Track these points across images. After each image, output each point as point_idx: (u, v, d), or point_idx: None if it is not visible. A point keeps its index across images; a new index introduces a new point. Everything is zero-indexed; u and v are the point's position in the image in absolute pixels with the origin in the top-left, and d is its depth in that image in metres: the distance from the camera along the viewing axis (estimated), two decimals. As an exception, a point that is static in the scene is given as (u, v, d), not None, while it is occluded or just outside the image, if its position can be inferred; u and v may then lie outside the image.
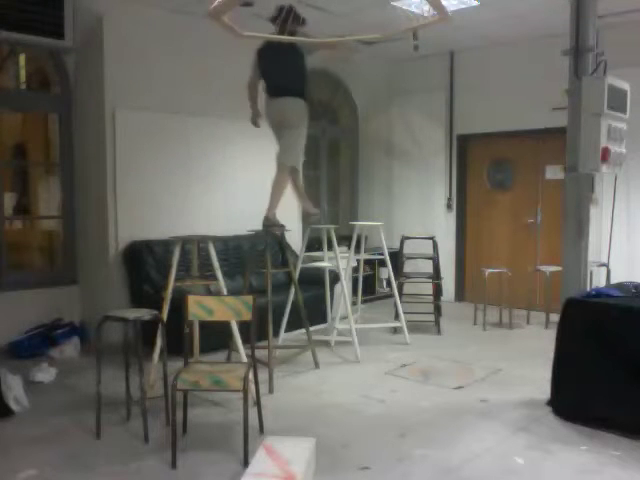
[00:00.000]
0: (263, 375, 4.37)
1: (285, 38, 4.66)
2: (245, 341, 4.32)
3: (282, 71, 4.99)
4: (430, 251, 6.60)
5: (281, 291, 5.69)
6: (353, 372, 5.12)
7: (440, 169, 8.12)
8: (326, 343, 5.85)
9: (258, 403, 3.81)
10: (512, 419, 4.02)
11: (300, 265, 5.62)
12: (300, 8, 5.77)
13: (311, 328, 5.32)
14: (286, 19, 4.64)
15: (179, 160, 6.14)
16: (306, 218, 5.47)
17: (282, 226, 5.11)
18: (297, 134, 5.00)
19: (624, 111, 4.39)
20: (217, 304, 3.80)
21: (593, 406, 3.84)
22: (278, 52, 4.98)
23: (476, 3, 5.85)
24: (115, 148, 5.69)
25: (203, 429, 3.86)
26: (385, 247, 6.01)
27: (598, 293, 4.14)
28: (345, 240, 6.88)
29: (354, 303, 6.53)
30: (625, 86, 4.38)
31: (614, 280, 5.89)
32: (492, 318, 6.71)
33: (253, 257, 5.62)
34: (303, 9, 5.82)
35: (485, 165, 7.92)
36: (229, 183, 6.57)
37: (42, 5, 5.34)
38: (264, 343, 4.76)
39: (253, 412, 3.69)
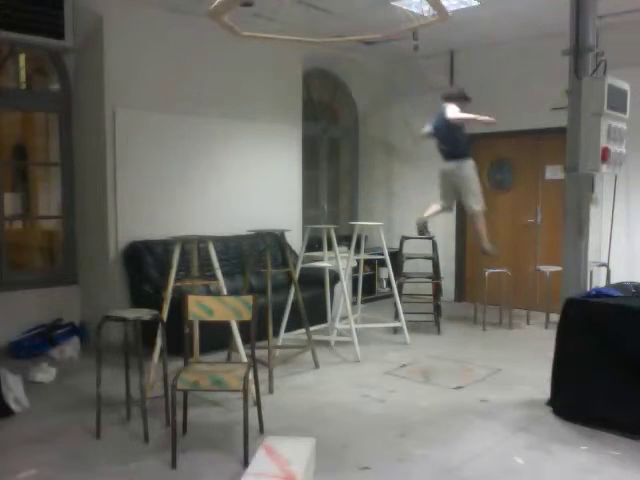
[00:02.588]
0: (263, 375, 4.37)
1: (285, 38, 4.68)
2: (245, 341, 4.32)
3: (444, 139, 6.36)
4: (430, 251, 6.60)
5: (281, 291, 5.69)
6: (353, 372, 5.12)
7: (440, 169, 8.11)
8: (326, 343, 5.85)
9: (258, 403, 3.81)
10: (512, 419, 4.02)
11: (300, 265, 5.62)
12: (300, 8, 5.81)
13: (311, 328, 5.32)
14: (458, 98, 6.39)
15: (179, 160, 6.13)
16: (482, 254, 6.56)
17: (495, 250, 6.47)
18: (469, 186, 6.29)
19: (624, 111, 4.38)
20: (217, 304, 3.80)
21: (593, 406, 3.84)
22: (439, 125, 6.33)
23: (476, 3, 5.85)
24: (115, 148, 5.69)
25: (203, 429, 3.86)
26: (385, 247, 6.01)
27: (598, 293, 4.14)
28: (345, 240, 6.88)
29: (354, 303, 6.53)
30: (625, 86, 4.38)
31: (614, 280, 5.89)
32: (492, 318, 6.71)
33: (253, 257, 5.62)
34: (303, 9, 5.84)
35: (485, 165, 7.90)
36: (229, 183, 6.57)
37: (42, 5, 5.34)
38: (264, 343, 4.76)
39: (253, 412, 3.69)
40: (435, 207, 6.56)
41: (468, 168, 6.27)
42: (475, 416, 4.10)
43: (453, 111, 6.14)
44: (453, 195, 6.47)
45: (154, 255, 5.76)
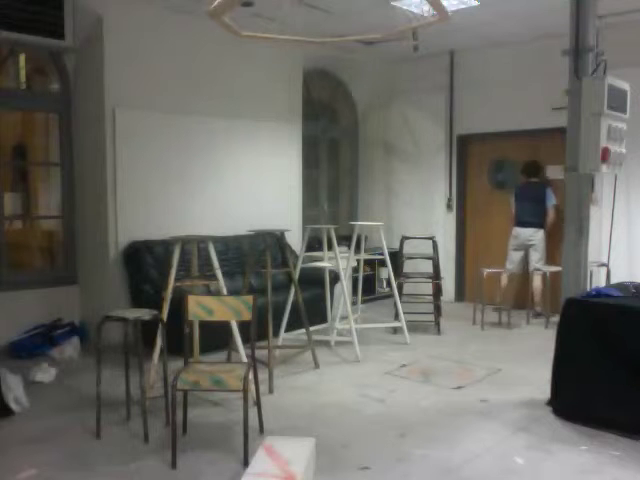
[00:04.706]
0: (263, 375, 4.38)
1: (285, 38, 4.68)
2: (245, 341, 4.32)
3: (529, 209, 6.94)
4: (430, 251, 6.59)
5: (281, 291, 5.69)
6: (353, 372, 5.12)
7: (440, 169, 8.12)
8: (326, 343, 5.85)
9: (258, 403, 3.81)
10: (512, 419, 4.02)
11: (300, 265, 5.62)
12: (300, 8, 5.80)
13: (311, 328, 5.32)
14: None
15: (179, 159, 6.13)
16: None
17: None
18: (540, 251, 6.94)
19: (624, 111, 4.38)
20: (217, 304, 3.80)
21: (593, 406, 3.84)
22: (527, 191, 7.02)
23: (476, 3, 5.85)
24: (115, 148, 5.69)
25: (203, 429, 3.86)
26: (385, 247, 6.01)
27: (598, 293, 4.14)
28: (345, 240, 6.88)
29: (354, 303, 6.53)
30: (625, 86, 4.38)
31: (614, 280, 5.89)
32: (492, 318, 6.71)
33: (253, 257, 5.62)
34: (303, 9, 5.84)
35: (485, 165, 7.91)
36: (229, 183, 6.56)
37: (42, 5, 5.34)
38: (264, 343, 4.76)
39: (253, 412, 3.69)
40: (503, 279, 6.92)
41: (541, 237, 6.91)
42: (475, 416, 4.10)
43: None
44: (522, 259, 7.02)
45: (154, 255, 5.76)
